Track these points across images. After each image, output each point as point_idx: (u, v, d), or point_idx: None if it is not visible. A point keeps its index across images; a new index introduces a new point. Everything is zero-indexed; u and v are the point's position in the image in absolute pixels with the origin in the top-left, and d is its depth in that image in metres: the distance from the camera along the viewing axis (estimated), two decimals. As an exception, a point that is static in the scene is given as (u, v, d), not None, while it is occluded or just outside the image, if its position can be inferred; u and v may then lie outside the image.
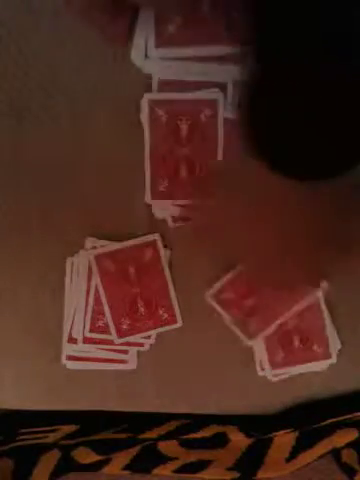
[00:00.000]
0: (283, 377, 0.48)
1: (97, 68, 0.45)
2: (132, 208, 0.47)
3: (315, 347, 0.48)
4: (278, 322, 0.47)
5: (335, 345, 0.48)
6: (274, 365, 0.48)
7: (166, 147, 0.46)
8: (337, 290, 0.48)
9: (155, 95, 0.45)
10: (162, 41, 0.44)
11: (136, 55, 0.45)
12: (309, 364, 0.48)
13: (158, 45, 0.44)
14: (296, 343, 0.48)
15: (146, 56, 0.45)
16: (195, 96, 0.45)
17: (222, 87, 0.45)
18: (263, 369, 0.48)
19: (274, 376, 0.48)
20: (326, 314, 0.48)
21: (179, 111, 0.45)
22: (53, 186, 0.47)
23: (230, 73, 0.45)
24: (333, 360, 0.48)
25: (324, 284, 0.47)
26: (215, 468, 0.46)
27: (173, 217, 0.48)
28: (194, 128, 0.46)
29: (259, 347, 0.48)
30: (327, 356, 0.48)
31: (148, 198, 0.47)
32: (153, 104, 0.45)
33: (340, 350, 0.49)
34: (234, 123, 0.44)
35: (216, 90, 0.45)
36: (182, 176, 0.46)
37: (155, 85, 0.45)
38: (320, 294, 0.47)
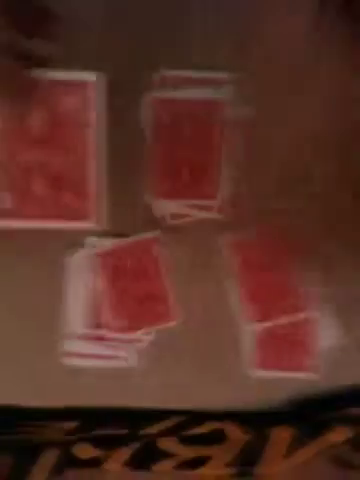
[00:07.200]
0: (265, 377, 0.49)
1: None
2: (132, 207, 0.47)
3: (303, 358, 0.49)
4: (279, 321, 0.48)
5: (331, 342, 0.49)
6: (257, 364, 0.49)
7: (168, 147, 0.45)
8: (335, 285, 0.48)
9: (158, 94, 0.45)
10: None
11: None
12: (290, 373, 0.49)
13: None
14: (284, 349, 0.49)
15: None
16: (199, 96, 0.44)
17: (224, 83, 0.45)
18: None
19: (256, 374, 0.49)
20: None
21: (182, 111, 0.45)
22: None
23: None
24: (315, 376, 0.49)
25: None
26: (214, 464, 0.47)
27: (173, 215, 0.47)
28: (197, 128, 0.45)
29: (247, 342, 0.49)
30: (313, 370, 0.49)
31: (149, 198, 0.46)
32: (156, 103, 0.45)
33: (338, 346, 0.49)
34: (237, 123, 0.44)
35: (219, 89, 0.45)
36: (184, 177, 0.46)
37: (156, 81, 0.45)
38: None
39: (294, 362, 0.49)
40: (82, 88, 0.33)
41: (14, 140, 0.32)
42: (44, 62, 0.33)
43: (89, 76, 0.32)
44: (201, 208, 0.47)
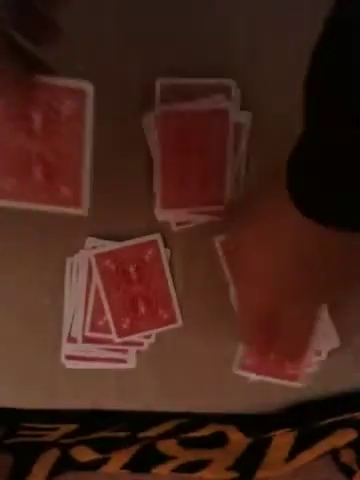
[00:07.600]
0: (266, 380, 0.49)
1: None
2: (132, 207, 0.47)
3: (287, 366, 0.48)
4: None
5: (331, 345, 0.49)
6: (243, 366, 0.48)
7: (174, 155, 0.46)
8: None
9: (165, 106, 0.45)
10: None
11: None
12: (275, 379, 0.48)
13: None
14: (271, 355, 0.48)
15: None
16: (204, 106, 0.45)
17: (227, 90, 0.45)
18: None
19: (256, 378, 0.49)
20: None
21: (188, 121, 0.45)
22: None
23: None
24: (300, 384, 0.48)
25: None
26: (214, 467, 0.46)
27: (177, 223, 0.48)
28: (203, 137, 0.46)
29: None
30: (296, 379, 0.48)
31: (158, 210, 0.47)
32: (163, 114, 0.45)
33: (339, 349, 0.49)
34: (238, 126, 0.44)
35: (223, 97, 0.45)
36: (189, 183, 0.46)
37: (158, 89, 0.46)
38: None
39: (292, 368, 0.48)
40: (79, 95, 0.36)
41: (18, 132, 0.36)
42: (47, 68, 0.34)
43: (86, 84, 0.36)
44: (205, 213, 0.48)
